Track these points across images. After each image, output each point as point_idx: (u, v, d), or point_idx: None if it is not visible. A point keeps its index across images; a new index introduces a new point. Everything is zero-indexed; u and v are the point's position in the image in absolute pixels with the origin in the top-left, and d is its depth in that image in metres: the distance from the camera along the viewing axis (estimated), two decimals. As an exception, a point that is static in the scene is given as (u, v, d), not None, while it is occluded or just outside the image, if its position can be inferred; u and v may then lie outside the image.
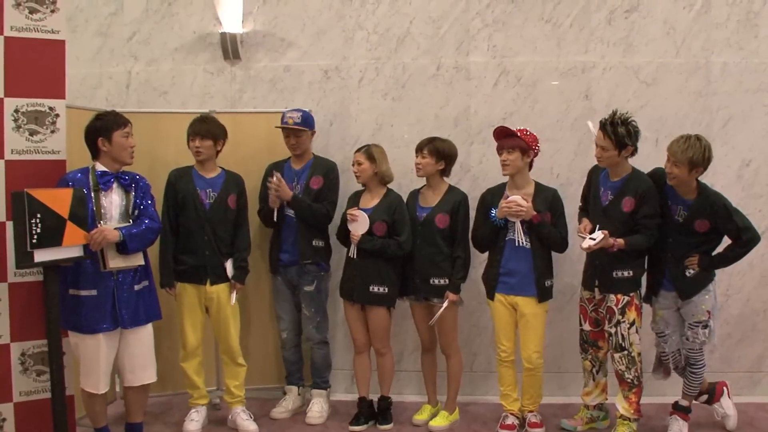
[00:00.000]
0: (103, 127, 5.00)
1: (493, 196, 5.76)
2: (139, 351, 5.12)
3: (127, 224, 5.01)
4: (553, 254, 5.74)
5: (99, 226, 4.85)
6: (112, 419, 5.61)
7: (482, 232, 5.77)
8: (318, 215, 6.02)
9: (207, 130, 5.75)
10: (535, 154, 5.67)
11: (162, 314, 5.33)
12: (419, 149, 5.82)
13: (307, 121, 6.02)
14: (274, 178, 5.89)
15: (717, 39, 6.40)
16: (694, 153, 5.11)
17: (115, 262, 4.92)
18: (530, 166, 5.71)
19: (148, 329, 5.17)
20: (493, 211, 5.62)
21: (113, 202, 5.03)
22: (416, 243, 5.82)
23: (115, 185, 5.05)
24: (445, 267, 5.80)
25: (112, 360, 5.04)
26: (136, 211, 5.11)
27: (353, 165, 5.92)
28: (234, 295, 5.84)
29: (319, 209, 6.01)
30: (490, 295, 5.77)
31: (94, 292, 4.94)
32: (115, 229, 4.89)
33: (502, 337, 5.75)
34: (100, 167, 5.02)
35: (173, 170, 5.87)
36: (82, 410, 5.48)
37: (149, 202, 5.20)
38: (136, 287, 5.08)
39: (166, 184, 5.83)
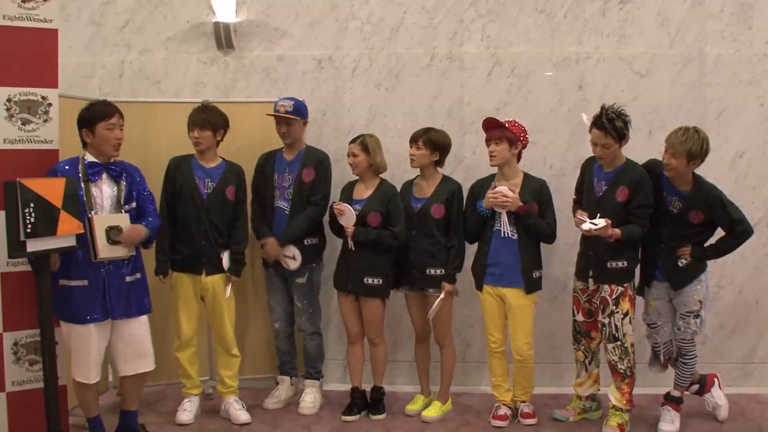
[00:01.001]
0: (87, 118, 5.00)
1: (482, 186, 5.78)
2: (133, 340, 5.13)
3: (147, 221, 5.15)
4: (544, 245, 5.75)
5: (90, 215, 4.86)
6: (105, 409, 5.62)
7: (470, 223, 5.79)
8: (315, 223, 6.06)
9: (205, 120, 5.72)
10: (524, 146, 5.69)
11: (152, 307, 5.31)
12: (414, 140, 5.82)
13: (299, 110, 5.98)
14: (277, 256, 5.98)
15: (711, 30, 6.42)
16: (693, 145, 5.14)
17: (106, 252, 4.92)
18: (519, 157, 5.73)
19: (141, 319, 5.17)
20: (480, 203, 5.65)
21: (104, 192, 5.04)
22: (412, 234, 5.83)
23: (104, 175, 5.05)
24: (441, 257, 5.81)
25: (103, 350, 5.05)
26: (132, 203, 5.14)
27: (348, 156, 5.91)
28: (229, 288, 5.84)
29: (313, 218, 6.02)
30: (479, 286, 5.80)
31: (84, 283, 4.95)
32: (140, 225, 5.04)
33: (491, 329, 5.78)
34: (89, 157, 5.03)
35: (173, 158, 5.87)
36: (74, 400, 5.48)
37: (147, 194, 5.25)
38: (128, 278, 5.08)
39: (165, 171, 5.83)
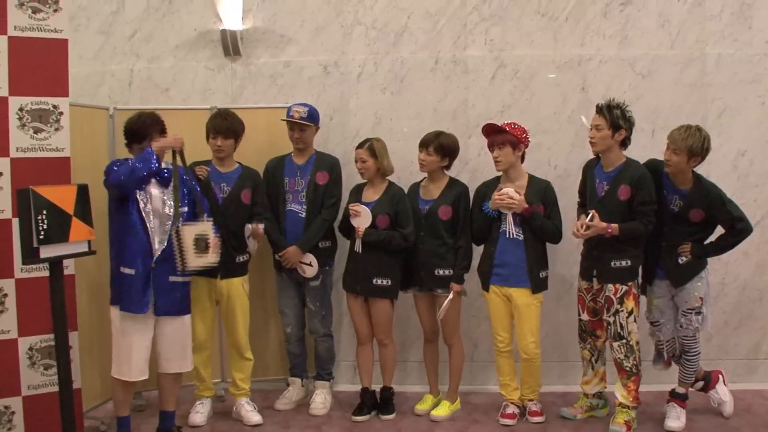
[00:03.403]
0: (125, 134, 5.19)
1: (487, 188, 5.82)
2: (176, 340, 5.27)
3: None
4: (549, 245, 5.80)
5: (178, 226, 5.03)
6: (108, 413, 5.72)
7: (477, 225, 5.84)
8: (327, 226, 6.11)
9: (228, 128, 5.77)
10: (526, 146, 5.74)
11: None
12: (424, 145, 5.86)
13: (313, 116, 6.06)
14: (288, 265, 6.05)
15: (711, 31, 6.46)
16: (694, 142, 5.20)
17: (195, 262, 5.08)
18: (522, 158, 5.79)
19: (185, 320, 5.30)
20: (487, 203, 5.71)
21: (152, 194, 5.13)
22: (419, 235, 5.88)
23: (153, 181, 5.13)
24: (449, 258, 5.86)
25: (143, 350, 5.14)
26: (185, 207, 5.25)
27: (356, 162, 5.97)
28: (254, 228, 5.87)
29: (325, 223, 6.07)
30: (485, 287, 5.84)
31: (132, 272, 5.06)
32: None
33: (498, 328, 5.82)
34: None
35: (192, 162, 5.87)
36: (89, 403, 5.58)
37: (200, 199, 5.38)
38: (172, 278, 5.20)
39: None
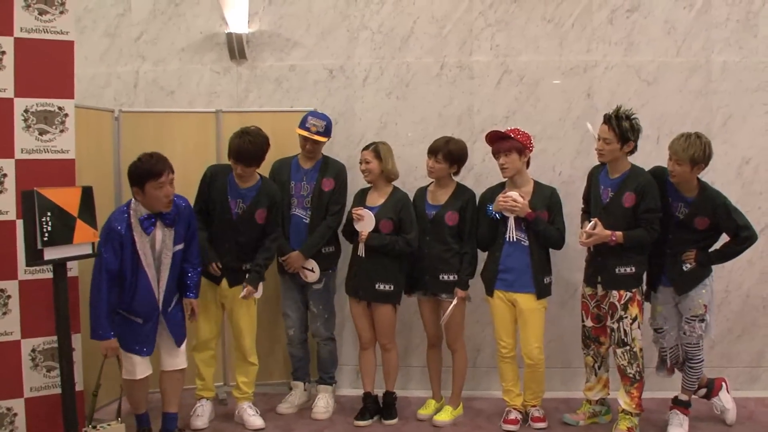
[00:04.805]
0: (135, 177, 4.99)
1: (492, 193, 5.82)
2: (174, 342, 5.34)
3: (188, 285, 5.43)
4: (553, 251, 5.80)
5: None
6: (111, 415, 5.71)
7: (482, 230, 5.83)
8: (331, 233, 6.12)
9: (251, 157, 5.64)
10: (530, 151, 5.74)
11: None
12: (433, 153, 5.85)
13: (329, 129, 6.05)
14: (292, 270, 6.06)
15: (717, 38, 6.45)
16: (695, 151, 5.19)
17: None
18: (527, 164, 5.79)
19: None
20: (490, 206, 5.71)
21: (157, 237, 5.13)
22: (425, 240, 5.88)
23: (158, 223, 5.12)
24: (454, 263, 5.85)
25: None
26: (181, 244, 5.27)
27: (361, 163, 5.97)
28: (243, 292, 5.77)
29: (329, 230, 6.07)
30: (489, 292, 5.84)
31: (139, 321, 5.14)
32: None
33: (502, 334, 5.82)
34: (141, 210, 5.05)
35: (212, 166, 5.89)
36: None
37: (192, 232, 5.39)
38: (177, 311, 5.37)
39: (203, 176, 5.82)
